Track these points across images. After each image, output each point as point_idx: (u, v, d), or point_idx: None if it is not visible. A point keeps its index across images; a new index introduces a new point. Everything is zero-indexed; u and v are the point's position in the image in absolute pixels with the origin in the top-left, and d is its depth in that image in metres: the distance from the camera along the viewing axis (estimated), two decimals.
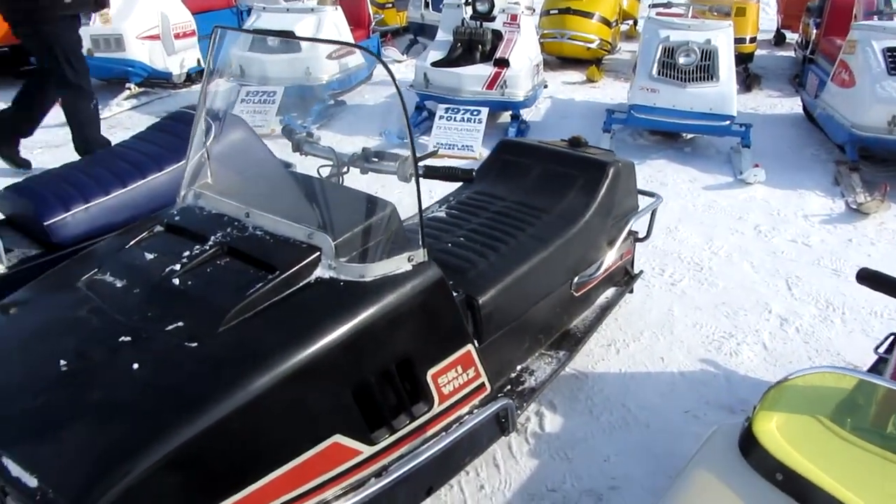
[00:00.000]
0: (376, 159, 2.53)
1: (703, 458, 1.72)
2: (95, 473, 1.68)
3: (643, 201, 3.87)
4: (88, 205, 3.52)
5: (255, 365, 1.88)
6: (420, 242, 2.24)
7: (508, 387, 2.84)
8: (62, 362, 1.92)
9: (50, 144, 6.46)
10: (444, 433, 2.35)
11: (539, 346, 3.20)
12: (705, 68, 6.17)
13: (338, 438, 2.02)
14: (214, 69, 2.58)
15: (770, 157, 6.31)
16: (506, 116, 6.94)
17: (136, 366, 1.89)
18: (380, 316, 2.10)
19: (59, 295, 2.24)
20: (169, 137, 3.94)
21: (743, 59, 8.58)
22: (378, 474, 2.15)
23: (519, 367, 3.04)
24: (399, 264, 2.21)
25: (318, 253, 2.16)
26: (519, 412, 2.73)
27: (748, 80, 8.72)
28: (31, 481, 1.68)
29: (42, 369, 1.93)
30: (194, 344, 1.94)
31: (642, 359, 3.69)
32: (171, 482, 1.73)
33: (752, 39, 8.86)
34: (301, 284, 2.12)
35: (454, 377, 2.37)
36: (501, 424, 2.67)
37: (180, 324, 2.00)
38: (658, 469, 3.02)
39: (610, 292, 3.74)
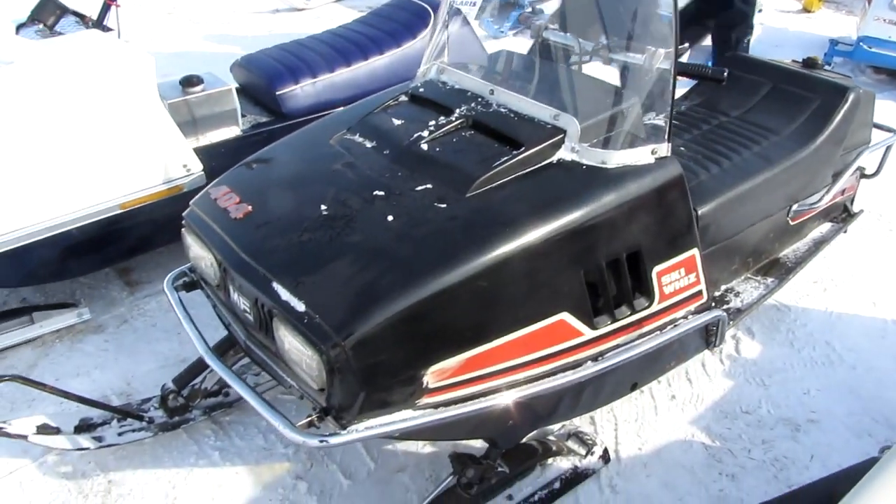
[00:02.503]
0: (620, 50, 2.47)
1: None
2: (357, 306, 1.81)
3: (876, 137, 3.56)
4: (315, 80, 3.71)
5: (502, 232, 1.94)
6: (665, 137, 2.18)
7: (714, 304, 2.77)
8: (323, 207, 2.07)
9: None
10: (658, 332, 2.34)
11: (746, 270, 3.08)
12: None
13: (564, 316, 2.06)
14: None
15: None
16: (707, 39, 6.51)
17: (390, 218, 2.00)
18: (619, 204, 2.09)
19: (314, 149, 2.39)
20: (390, 23, 4.04)
21: None
22: (594, 359, 2.19)
23: (724, 287, 2.96)
24: (641, 156, 2.17)
25: (562, 135, 2.16)
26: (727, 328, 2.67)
27: None
28: (299, 306, 1.84)
29: (305, 210, 2.08)
30: (444, 205, 2.02)
31: (851, 300, 3.48)
32: (418, 327, 1.84)
33: None
34: (544, 163, 2.14)
35: (676, 279, 2.33)
36: (709, 337, 2.63)
37: (429, 186, 2.09)
38: (863, 411, 2.88)
39: (824, 227, 3.51)
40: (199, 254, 2.25)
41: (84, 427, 2.55)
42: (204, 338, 2.23)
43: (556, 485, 2.50)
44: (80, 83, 2.96)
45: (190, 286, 2.45)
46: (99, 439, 2.54)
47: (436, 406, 1.95)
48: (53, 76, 2.96)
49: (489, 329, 1.96)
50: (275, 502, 2.47)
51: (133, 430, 2.61)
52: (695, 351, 2.66)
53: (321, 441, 1.85)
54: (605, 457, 2.61)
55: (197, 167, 3.13)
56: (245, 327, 2.17)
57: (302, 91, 3.68)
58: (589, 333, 2.14)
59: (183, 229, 2.33)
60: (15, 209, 2.77)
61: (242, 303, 2.07)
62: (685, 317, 2.44)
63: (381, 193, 2.09)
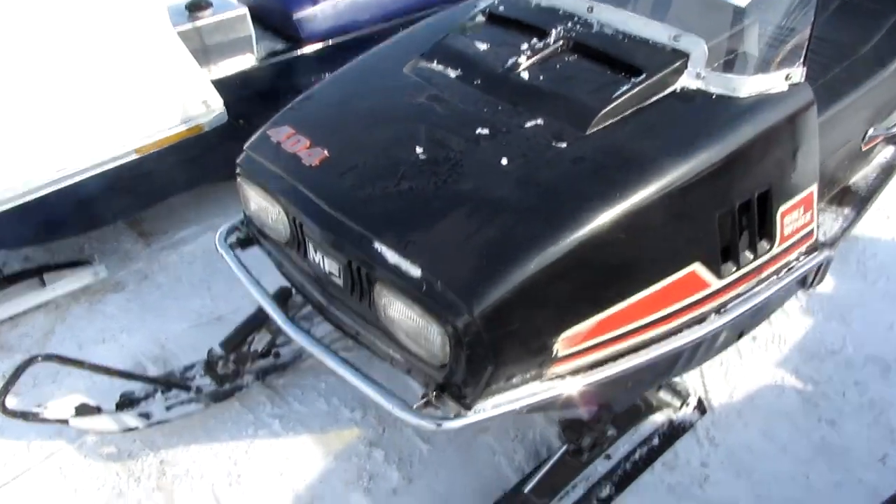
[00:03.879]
0: None
1: None
2: (486, 269, 1.54)
3: None
4: None
5: (638, 174, 1.67)
6: (802, 59, 1.90)
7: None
8: (418, 149, 1.77)
9: None
10: (775, 277, 2.12)
11: (821, 200, 2.87)
12: None
13: (696, 267, 1.82)
14: None
15: None
16: None
17: (504, 161, 1.71)
18: (755, 139, 1.82)
19: (387, 80, 2.06)
20: None
21: None
22: (718, 311, 1.96)
23: None
24: (775, 82, 1.90)
25: (685, 59, 1.87)
26: None
27: None
28: (414, 271, 1.56)
29: (397, 154, 1.78)
30: (563, 144, 1.73)
31: None
32: (553, 289, 1.59)
33: None
34: (665, 93, 1.85)
35: (796, 218, 2.10)
36: (807, 277, 2.42)
37: (539, 122, 1.79)
38: None
39: (888, 152, 3.30)
40: (264, 206, 1.94)
41: (127, 403, 2.27)
42: (277, 304, 1.94)
43: (655, 441, 2.32)
44: (83, 11, 2.53)
45: (245, 242, 2.13)
46: (146, 416, 2.26)
47: (563, 376, 1.71)
48: (54, 5, 2.52)
49: (625, 286, 1.71)
50: (351, 473, 2.25)
51: (181, 403, 2.33)
52: (795, 291, 2.47)
53: (443, 424, 1.61)
54: (701, 407, 2.43)
55: (217, 103, 2.75)
56: (327, 291, 1.88)
57: (321, 12, 3.26)
58: (715, 284, 1.91)
59: (238, 178, 2.00)
60: (19, 160, 2.39)
61: (327, 264, 1.77)
62: (797, 258, 2.22)
63: (485, 132, 1.78)
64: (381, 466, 2.26)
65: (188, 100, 2.72)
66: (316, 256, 1.81)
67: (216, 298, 2.83)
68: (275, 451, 2.30)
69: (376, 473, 2.24)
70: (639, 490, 2.20)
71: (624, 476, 2.20)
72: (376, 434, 2.35)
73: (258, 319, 2.40)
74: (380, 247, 1.62)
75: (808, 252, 2.26)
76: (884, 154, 3.28)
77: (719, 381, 2.57)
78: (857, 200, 2.97)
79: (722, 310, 1.97)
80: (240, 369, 2.40)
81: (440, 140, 1.79)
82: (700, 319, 1.93)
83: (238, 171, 2.00)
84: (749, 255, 1.99)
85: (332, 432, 2.36)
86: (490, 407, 1.63)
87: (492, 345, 1.55)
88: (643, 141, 1.75)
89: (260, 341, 2.44)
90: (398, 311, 1.63)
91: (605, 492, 2.15)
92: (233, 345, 2.38)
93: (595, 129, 1.76)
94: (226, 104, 2.76)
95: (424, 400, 1.64)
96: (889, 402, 2.53)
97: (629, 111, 1.80)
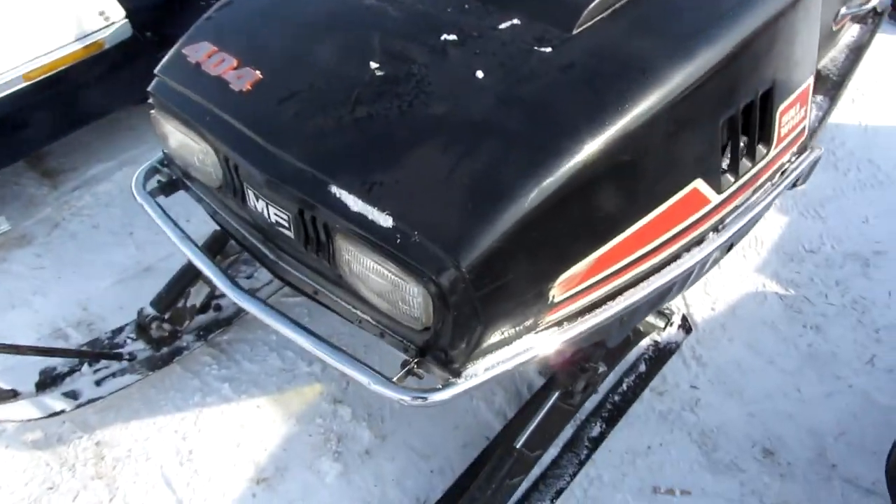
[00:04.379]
0: None
1: None
2: (471, 213, 1.27)
3: None
4: None
5: (634, 82, 1.40)
6: None
7: None
8: (373, 64, 1.45)
9: None
10: (769, 184, 1.92)
11: None
12: None
13: (698, 183, 1.60)
14: None
15: None
16: None
17: (479, 74, 1.41)
18: (763, 27, 1.57)
19: None
20: None
21: None
22: (716, 229, 1.75)
23: None
24: None
25: None
26: None
27: None
28: (383, 220, 1.28)
29: (348, 71, 1.46)
30: (547, 49, 1.44)
31: (882, 112, 3.17)
32: (549, 228, 1.34)
33: None
34: None
35: (793, 116, 1.89)
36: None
37: (516, 21, 1.49)
38: None
39: (854, 31, 3.11)
40: (186, 144, 1.60)
41: (48, 382, 1.96)
42: (210, 257, 1.63)
43: (642, 368, 2.16)
44: None
45: (168, 187, 1.79)
46: (73, 395, 1.96)
47: (559, 323, 1.49)
48: None
49: (625, 215, 1.48)
50: (317, 437, 2.02)
51: (114, 375, 2.03)
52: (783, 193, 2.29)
53: (430, 396, 1.37)
54: (686, 326, 2.27)
55: (117, 13, 2.31)
56: (276, 245, 1.58)
57: None
58: (714, 200, 1.70)
59: (152, 111, 1.64)
60: None
61: (273, 214, 1.47)
62: (790, 160, 2.02)
63: (453, 38, 1.48)
64: (350, 426, 2.03)
65: (82, 11, 2.27)
66: (258, 205, 1.50)
67: (142, 246, 2.48)
68: (228, 420, 2.05)
69: (345, 434, 2.01)
70: (630, 422, 2.06)
71: (614, 410, 2.04)
72: (340, 389, 2.12)
73: (193, 270, 2.08)
74: (337, 191, 1.32)
75: (800, 152, 2.07)
76: (850, 34, 3.09)
77: (700, 295, 2.42)
78: (828, 86, 2.78)
79: (720, 227, 1.77)
80: (177, 329, 2.11)
81: (399, 51, 1.47)
82: (699, 241, 1.72)
83: (151, 100, 1.64)
84: (748, 163, 1.77)
85: (290, 391, 2.11)
86: (482, 370, 1.40)
87: (482, 301, 1.30)
88: (640, 39, 1.48)
89: (197, 294, 2.13)
90: (366, 268, 1.35)
91: (596, 430, 2.00)
92: (166, 302, 2.08)
93: (583, 28, 1.47)
94: (129, 14, 2.34)
95: (406, 370, 1.40)
96: (871, 301, 2.43)
97: (618, 4, 1.51)
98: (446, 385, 1.38)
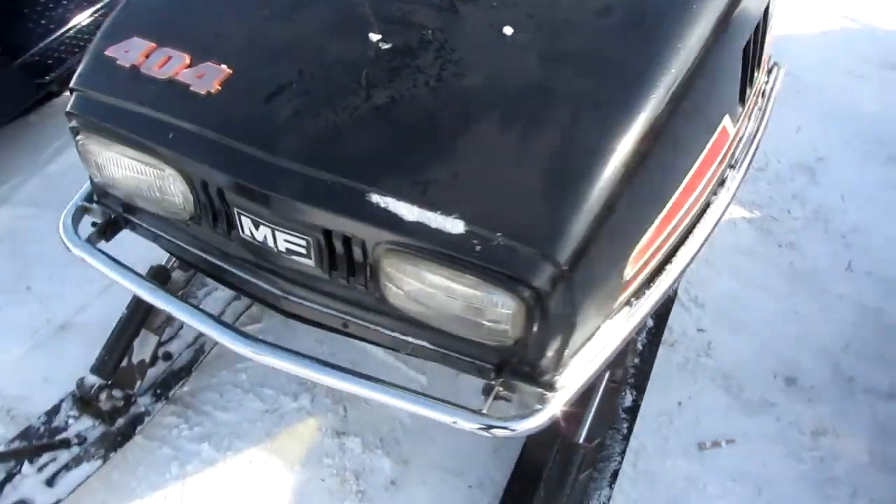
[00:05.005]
0: None
1: None
2: (553, 202, 1.05)
3: None
4: None
5: (682, 15, 1.23)
6: None
7: None
8: (373, 36, 1.17)
9: None
10: (757, 108, 1.83)
11: None
12: None
13: (725, 120, 1.46)
14: None
15: None
16: None
17: (507, 30, 1.17)
18: None
19: None
20: None
21: None
22: (731, 165, 1.63)
23: None
24: None
25: None
26: None
27: None
28: (451, 226, 1.03)
29: (342, 51, 1.19)
30: None
31: (794, 20, 3.22)
32: (628, 198, 1.14)
33: None
34: None
35: (771, 27, 1.80)
36: None
37: None
38: (853, 133, 2.72)
39: None
40: (135, 172, 1.25)
41: None
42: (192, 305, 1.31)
43: (650, 323, 2.02)
44: None
45: (110, 228, 1.42)
46: None
47: (629, 302, 1.31)
48: None
49: (682, 167, 1.32)
50: (331, 480, 1.74)
51: (66, 469, 1.65)
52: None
53: (533, 419, 1.15)
54: None
55: None
56: (280, 276, 1.27)
57: None
58: (732, 131, 1.57)
59: (78, 137, 1.27)
60: None
61: (283, 241, 1.17)
62: (767, 81, 1.94)
63: None
64: (364, 458, 1.77)
65: None
66: (257, 233, 1.19)
67: (46, 300, 2.05)
68: (219, 486, 1.73)
69: (361, 468, 1.75)
70: (655, 383, 1.93)
71: (639, 375, 1.91)
72: (338, 419, 1.84)
73: (133, 319, 1.72)
74: (382, 201, 1.05)
75: (770, 70, 1.99)
76: None
77: None
78: None
79: (734, 162, 1.65)
80: (129, 394, 1.74)
81: (399, 16, 1.20)
82: (722, 181, 1.59)
83: (73, 124, 1.26)
84: (749, 89, 1.65)
85: (282, 434, 1.81)
86: (573, 379, 1.19)
87: (580, 296, 1.09)
88: None
89: (142, 346, 1.77)
90: (429, 286, 1.10)
91: (629, 400, 1.85)
92: (112, 364, 1.70)
93: None
94: None
95: (492, 395, 1.17)
96: (829, 208, 2.46)
97: None
98: (541, 403, 1.17)
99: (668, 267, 1.38)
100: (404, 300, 1.15)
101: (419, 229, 1.04)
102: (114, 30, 1.28)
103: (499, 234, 1.02)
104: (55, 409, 1.73)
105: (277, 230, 1.16)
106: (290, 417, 1.84)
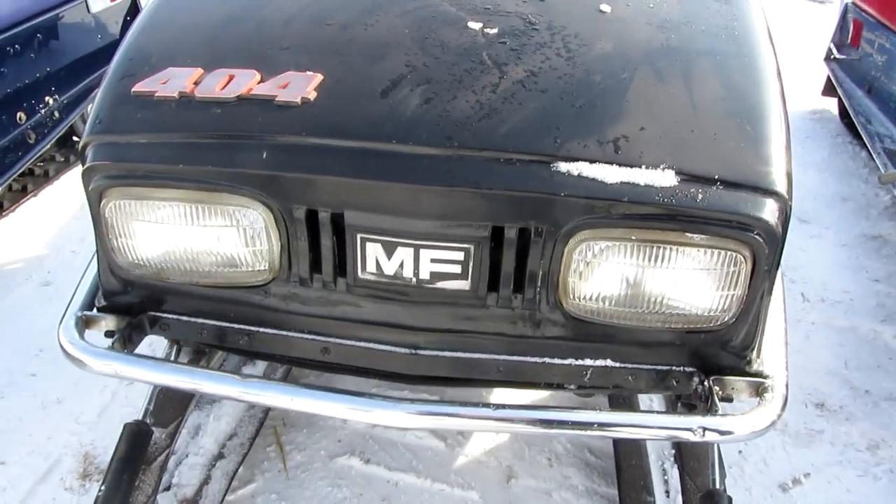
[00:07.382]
0: None
1: None
2: (757, 138, 0.95)
3: None
4: None
5: None
6: None
7: None
8: (473, 24, 1.05)
9: None
10: None
11: None
12: None
13: None
14: None
15: None
16: None
17: (605, 7, 1.13)
18: None
19: None
20: None
21: None
22: None
23: None
24: None
25: None
26: None
27: None
28: (662, 178, 0.88)
29: (445, 40, 1.06)
30: None
31: None
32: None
33: None
34: None
35: None
36: None
37: None
38: None
39: None
40: (190, 222, 0.95)
41: None
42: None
43: None
44: None
45: (134, 331, 1.05)
46: None
47: None
48: None
49: None
50: None
51: None
52: None
53: (763, 419, 0.97)
54: None
55: None
56: (413, 329, 0.99)
57: None
58: None
59: (106, 198, 0.95)
60: None
61: (428, 264, 0.92)
62: None
63: None
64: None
65: None
66: (389, 263, 0.92)
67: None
68: None
69: None
70: None
71: None
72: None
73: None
74: (572, 167, 0.88)
75: None
76: None
77: None
78: None
79: None
80: None
81: (487, 7, 1.08)
82: None
83: (98, 181, 0.94)
84: None
85: None
86: (773, 364, 1.04)
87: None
88: None
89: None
90: (628, 264, 0.91)
91: None
92: None
93: None
94: None
95: (712, 397, 0.96)
96: None
97: None
98: (761, 397, 0.98)
99: None
100: (589, 304, 0.94)
101: (626, 190, 0.87)
102: (133, 66, 1.01)
103: (716, 177, 0.88)
104: None
105: (424, 248, 0.91)
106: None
